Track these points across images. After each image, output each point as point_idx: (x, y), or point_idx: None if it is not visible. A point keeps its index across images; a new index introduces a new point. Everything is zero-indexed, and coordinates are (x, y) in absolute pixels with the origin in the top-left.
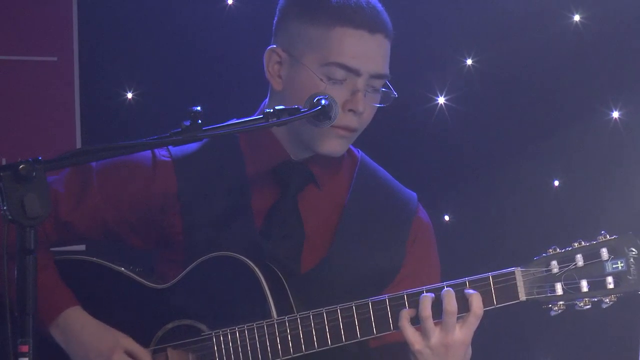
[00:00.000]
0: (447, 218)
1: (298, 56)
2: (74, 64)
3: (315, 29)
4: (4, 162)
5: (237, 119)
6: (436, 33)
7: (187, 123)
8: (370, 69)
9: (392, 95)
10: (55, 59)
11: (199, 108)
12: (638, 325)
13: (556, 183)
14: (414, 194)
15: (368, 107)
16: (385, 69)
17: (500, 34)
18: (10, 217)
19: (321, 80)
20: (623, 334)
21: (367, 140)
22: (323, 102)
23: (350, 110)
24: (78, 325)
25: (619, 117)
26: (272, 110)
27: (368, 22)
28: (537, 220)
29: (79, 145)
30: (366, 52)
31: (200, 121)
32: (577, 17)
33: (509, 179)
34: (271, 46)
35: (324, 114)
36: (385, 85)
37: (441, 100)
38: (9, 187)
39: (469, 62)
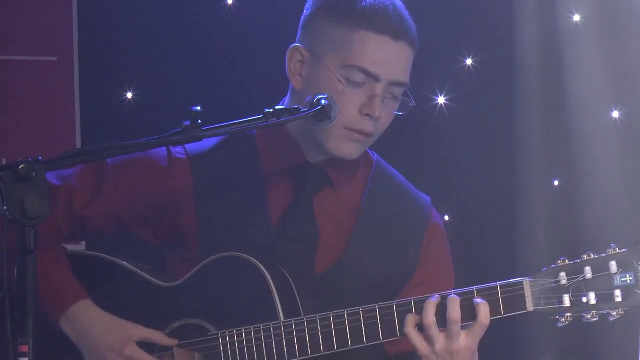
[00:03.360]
0: (447, 218)
1: (320, 56)
2: (74, 64)
3: (339, 31)
4: (4, 162)
5: (251, 117)
6: (436, 33)
7: (187, 123)
8: (390, 76)
9: (411, 104)
10: (55, 59)
11: (199, 108)
12: (638, 325)
13: (556, 183)
14: (428, 198)
15: (385, 113)
16: (405, 77)
17: (500, 34)
18: (10, 217)
19: (340, 81)
20: (623, 335)
21: None
22: (323, 102)
23: (367, 115)
24: (88, 318)
25: (619, 117)
26: (272, 110)
27: (392, 29)
28: (537, 220)
29: (79, 145)
30: (387, 58)
31: (200, 121)
32: (577, 17)
33: (509, 179)
34: (295, 44)
35: (323, 114)
36: (404, 94)
37: (441, 100)
38: (9, 187)
39: (469, 62)
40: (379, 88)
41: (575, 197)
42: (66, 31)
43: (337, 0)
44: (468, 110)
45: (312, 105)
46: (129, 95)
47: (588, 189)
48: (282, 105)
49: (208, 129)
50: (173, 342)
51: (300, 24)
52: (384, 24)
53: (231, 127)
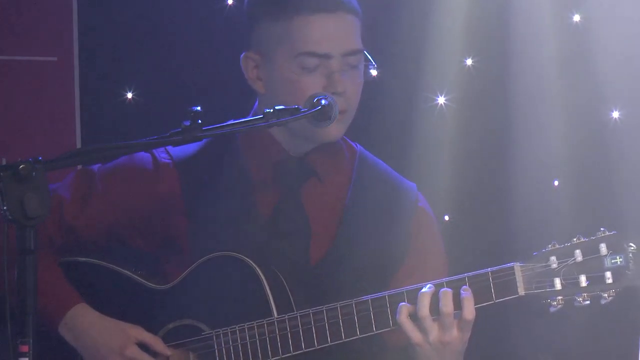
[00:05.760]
0: (447, 218)
1: (270, 55)
2: (74, 64)
3: (278, 24)
4: (4, 162)
5: (235, 119)
6: (436, 33)
7: (187, 123)
8: (339, 49)
9: (372, 67)
10: (55, 59)
11: (199, 108)
12: (638, 325)
13: (556, 183)
14: (414, 185)
15: (350, 85)
16: (355, 44)
17: (500, 34)
18: (10, 217)
19: (294, 73)
20: (623, 334)
21: (367, 140)
22: (323, 102)
23: (332, 93)
24: (86, 322)
25: (619, 117)
26: (272, 110)
27: (324, 4)
28: (537, 220)
29: (79, 145)
30: (330, 33)
31: (200, 121)
32: (577, 17)
33: (509, 179)
34: (244, 52)
35: (323, 114)
36: (365, 59)
37: (441, 100)
38: (9, 187)
39: (469, 62)
40: (334, 64)
41: (575, 197)
42: (66, 31)
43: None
44: (468, 110)
45: (312, 105)
46: (129, 95)
47: (588, 189)
48: (252, 111)
49: (208, 129)
50: (167, 352)
51: (244, 31)
52: (314, 1)
53: (231, 127)
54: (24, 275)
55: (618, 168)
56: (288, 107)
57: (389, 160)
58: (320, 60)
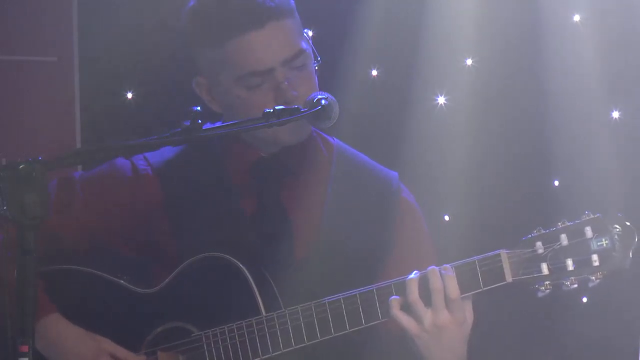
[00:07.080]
0: (447, 218)
1: (216, 79)
2: (74, 64)
3: (215, 51)
4: (4, 162)
5: (211, 123)
6: (437, 33)
7: (187, 123)
8: (279, 59)
9: (317, 62)
10: (55, 59)
11: (199, 108)
12: (638, 325)
13: (556, 183)
14: (395, 173)
15: (301, 86)
16: (294, 47)
17: (500, 34)
18: (10, 217)
19: (241, 95)
20: (623, 335)
21: (366, 139)
22: (323, 102)
23: (284, 103)
24: (57, 330)
25: (618, 117)
26: (272, 110)
27: (251, 21)
28: (538, 220)
29: (79, 145)
30: (264, 47)
31: (200, 121)
32: (577, 17)
33: (509, 179)
34: (194, 79)
35: (324, 114)
36: (312, 56)
37: (441, 100)
38: (9, 187)
39: (469, 62)
40: (278, 75)
41: (575, 197)
42: (66, 31)
43: (194, 28)
44: (468, 110)
45: (312, 105)
46: (129, 95)
47: (588, 189)
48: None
49: (208, 128)
50: (142, 358)
51: (190, 57)
52: (241, 21)
53: (231, 127)
54: (24, 275)
55: (618, 168)
56: (288, 107)
57: (387, 160)
58: (264, 76)
